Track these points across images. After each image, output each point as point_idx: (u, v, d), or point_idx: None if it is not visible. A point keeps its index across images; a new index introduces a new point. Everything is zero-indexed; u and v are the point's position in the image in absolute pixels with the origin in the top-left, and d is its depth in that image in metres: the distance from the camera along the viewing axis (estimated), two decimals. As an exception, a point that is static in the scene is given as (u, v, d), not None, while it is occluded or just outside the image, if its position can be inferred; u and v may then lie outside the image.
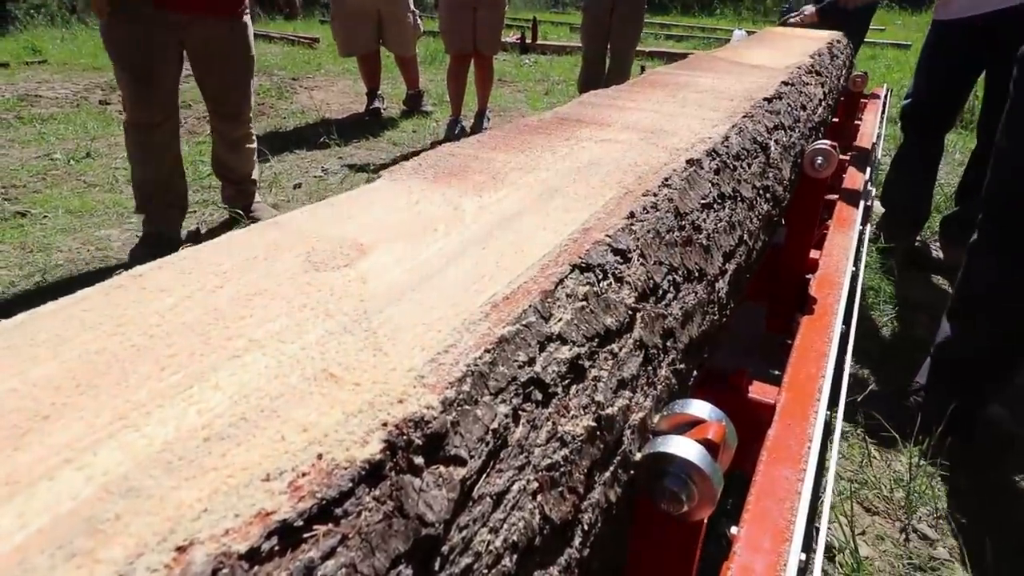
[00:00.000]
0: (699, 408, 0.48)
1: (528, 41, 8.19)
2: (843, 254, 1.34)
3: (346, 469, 0.26)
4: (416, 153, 3.10)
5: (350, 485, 0.26)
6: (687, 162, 0.70)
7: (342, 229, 0.51)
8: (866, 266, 2.53)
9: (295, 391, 0.31)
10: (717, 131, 0.84)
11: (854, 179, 1.88)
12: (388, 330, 0.37)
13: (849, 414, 1.63)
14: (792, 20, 2.38)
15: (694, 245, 0.62)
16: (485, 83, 4.29)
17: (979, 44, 2.23)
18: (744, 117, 0.94)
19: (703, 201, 0.67)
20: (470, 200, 0.57)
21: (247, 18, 2.46)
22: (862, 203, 1.66)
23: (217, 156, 2.66)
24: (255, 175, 2.75)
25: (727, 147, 0.81)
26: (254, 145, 2.71)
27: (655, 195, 0.61)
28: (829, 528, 1.34)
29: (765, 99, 1.07)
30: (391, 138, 4.23)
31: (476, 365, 0.34)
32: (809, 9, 2.35)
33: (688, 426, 0.47)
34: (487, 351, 0.35)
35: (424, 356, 0.34)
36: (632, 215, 0.55)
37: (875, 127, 2.43)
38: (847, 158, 1.99)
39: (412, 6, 4.42)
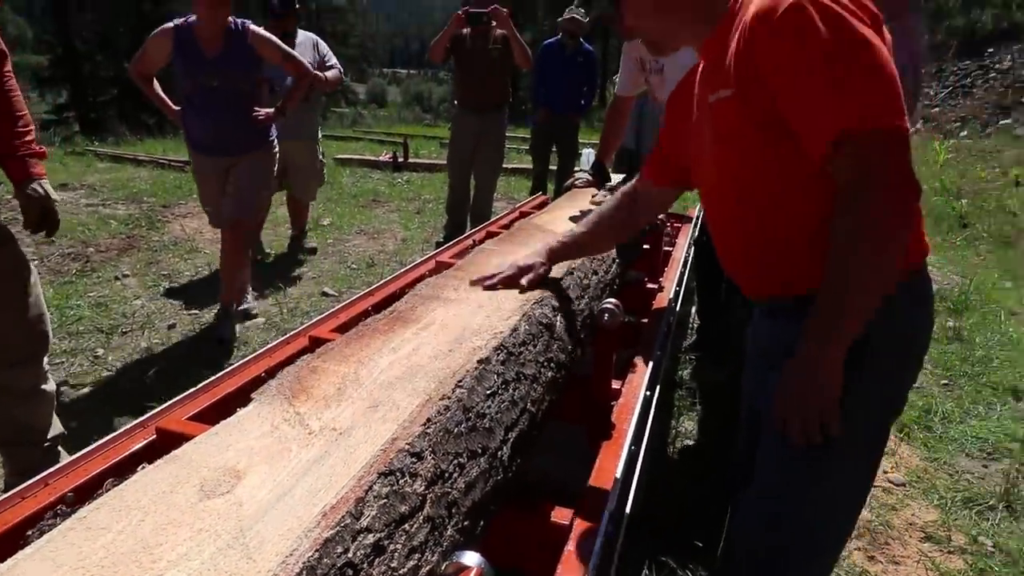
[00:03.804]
0: (469, 558, 0.75)
1: (400, 159, 8.71)
2: (641, 381, 1.70)
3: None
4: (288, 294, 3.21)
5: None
6: (478, 361, 1.00)
7: (223, 457, 0.75)
8: (679, 382, 2.97)
9: (200, 595, 0.54)
10: (509, 323, 1.16)
11: (660, 304, 2.30)
12: (256, 543, 0.61)
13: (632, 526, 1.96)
14: (579, 184, 2.56)
15: (478, 430, 0.90)
16: (236, 264, 3.22)
17: None
18: (535, 304, 1.27)
19: (488, 392, 0.97)
20: (315, 419, 0.83)
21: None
22: (662, 329, 2.07)
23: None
24: (55, 432, 1.98)
25: (515, 337, 1.13)
26: (52, 388, 1.98)
27: (449, 398, 0.89)
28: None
29: (556, 279, 1.43)
30: (266, 275, 4.37)
31: (308, 561, 0.59)
32: (585, 177, 2.60)
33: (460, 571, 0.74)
34: (316, 550, 0.60)
35: (277, 559, 0.59)
36: (428, 420, 0.83)
37: (683, 252, 2.93)
38: (655, 286, 2.43)
39: (321, 156, 4.59)
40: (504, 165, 5.53)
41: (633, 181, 1.53)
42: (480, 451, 0.89)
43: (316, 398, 0.89)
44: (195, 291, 3.83)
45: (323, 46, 4.27)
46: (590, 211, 2.19)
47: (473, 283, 1.39)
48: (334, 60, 4.28)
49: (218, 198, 3.21)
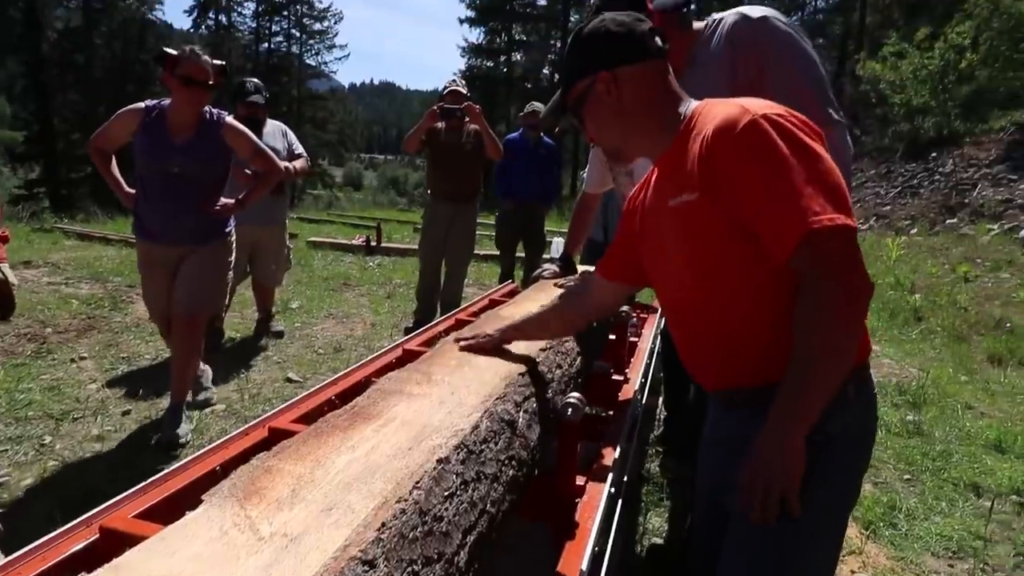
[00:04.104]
0: None
1: (373, 243, 8.81)
2: (606, 477, 1.68)
3: None
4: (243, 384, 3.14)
5: None
6: (437, 461, 0.99)
7: (168, 565, 0.72)
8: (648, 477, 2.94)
9: None
10: (471, 420, 1.16)
11: (626, 396, 2.31)
12: (193, 663, 0.58)
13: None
14: (546, 275, 2.54)
15: (435, 534, 0.89)
16: (187, 360, 3.01)
17: None
18: (497, 400, 1.28)
19: (446, 493, 0.96)
20: (267, 524, 0.81)
21: None
22: (628, 422, 2.07)
23: None
24: None
25: (476, 435, 1.13)
26: None
27: (406, 500, 0.88)
28: None
29: (520, 374, 1.44)
30: (229, 359, 4.30)
31: None
32: (552, 268, 2.60)
33: None
34: (257, 671, 0.58)
35: None
36: (383, 525, 0.82)
37: (649, 343, 2.97)
38: (621, 378, 2.44)
39: (288, 241, 4.60)
40: (476, 252, 5.63)
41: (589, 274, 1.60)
42: (436, 556, 0.87)
43: (269, 500, 0.87)
44: (155, 375, 3.73)
45: (291, 135, 4.33)
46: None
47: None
48: (301, 149, 4.32)
49: (165, 292, 3.00)
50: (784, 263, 1.06)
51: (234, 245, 3.19)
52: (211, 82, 2.78)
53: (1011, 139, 12.37)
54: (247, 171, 3.43)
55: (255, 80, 4.18)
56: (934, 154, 13.77)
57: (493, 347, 1.54)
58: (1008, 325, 6.08)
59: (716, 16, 1.81)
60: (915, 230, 11.10)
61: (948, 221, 11.01)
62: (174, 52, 2.76)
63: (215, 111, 2.94)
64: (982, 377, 4.90)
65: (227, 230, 3.11)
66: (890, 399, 4.08)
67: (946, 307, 6.61)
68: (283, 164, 3.67)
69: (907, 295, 6.95)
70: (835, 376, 1.04)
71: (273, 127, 4.21)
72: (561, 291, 2.28)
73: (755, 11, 1.69)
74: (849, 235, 1.02)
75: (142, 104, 2.87)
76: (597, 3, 1.74)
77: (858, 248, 1.04)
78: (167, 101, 2.85)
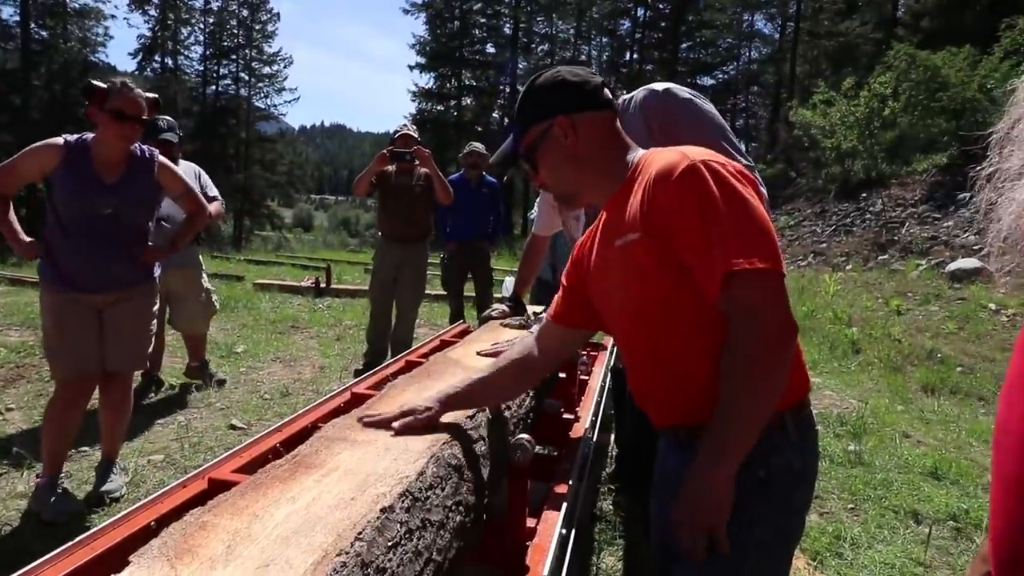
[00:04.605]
0: None
1: (323, 285, 8.68)
2: (557, 518, 1.67)
3: None
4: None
5: None
6: (381, 510, 0.97)
7: (89, 634, 0.68)
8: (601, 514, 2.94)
9: None
10: (416, 466, 1.14)
11: (577, 434, 2.31)
12: None
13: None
14: (495, 315, 2.62)
15: (376, 587, 0.87)
16: (119, 416, 2.91)
17: None
18: (444, 444, 1.27)
19: (390, 543, 0.94)
20: (199, 585, 0.78)
21: None
22: (579, 462, 2.07)
23: None
24: None
25: (422, 481, 1.11)
26: None
27: (347, 552, 0.86)
28: None
29: (468, 417, 1.43)
30: (170, 411, 4.14)
31: None
32: (501, 308, 2.69)
33: None
34: None
35: None
36: (322, 580, 0.79)
37: (599, 380, 3.00)
38: (572, 416, 2.45)
39: (208, 284, 4.35)
40: (427, 292, 5.61)
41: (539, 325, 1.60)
42: (378, 611, 0.85)
43: (202, 559, 0.83)
44: (87, 427, 3.54)
45: (204, 177, 4.17)
46: (499, 344, 2.25)
47: (361, 421, 1.36)
48: (216, 192, 4.17)
49: (87, 346, 2.69)
50: (714, 302, 1.11)
51: (158, 289, 3.01)
52: (144, 116, 2.62)
53: (933, 180, 13.20)
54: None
55: (167, 118, 3.99)
56: (864, 194, 14.56)
57: (425, 427, 1.33)
58: (939, 356, 6.38)
59: (627, 96, 2.09)
60: (850, 266, 11.62)
61: (880, 257, 11.58)
62: (103, 85, 2.58)
63: (145, 147, 2.78)
64: (917, 406, 5.11)
65: (154, 275, 2.92)
66: (832, 429, 4.20)
67: (881, 339, 6.89)
68: (211, 210, 3.54)
69: (845, 328, 7.23)
70: (758, 415, 1.07)
71: (187, 168, 4.00)
72: (509, 347, 2.29)
73: (660, 86, 2.01)
74: (770, 278, 1.06)
75: (59, 139, 2.60)
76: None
77: (781, 291, 1.09)
78: (89, 136, 2.63)
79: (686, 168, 1.12)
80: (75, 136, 2.63)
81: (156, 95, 2.72)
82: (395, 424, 1.32)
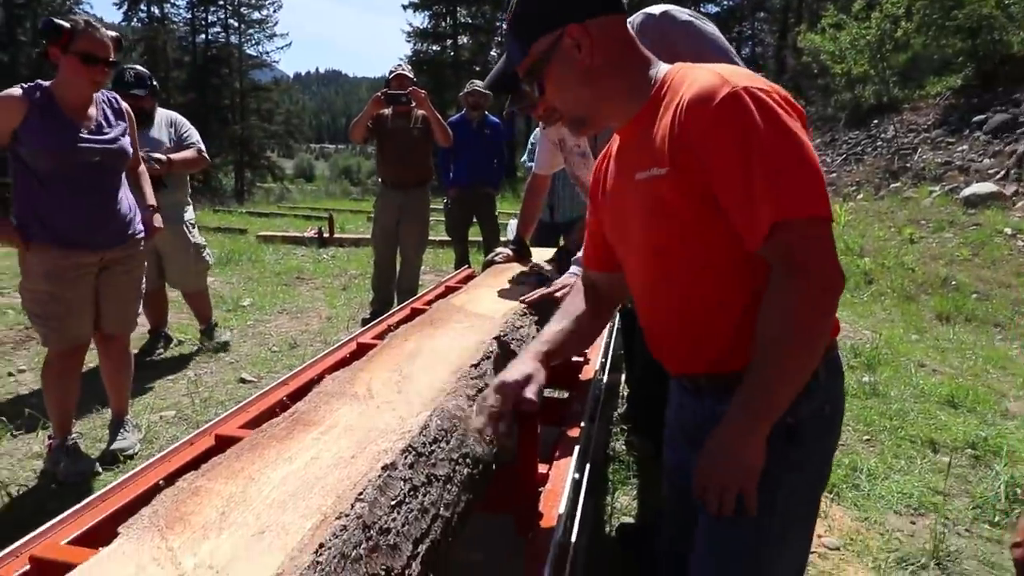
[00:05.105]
0: None
1: (326, 235, 8.60)
2: (569, 463, 1.64)
3: None
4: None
5: None
6: (383, 468, 0.92)
7: (71, 614, 0.63)
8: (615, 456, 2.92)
9: None
10: (419, 420, 1.09)
11: (587, 376, 2.27)
12: None
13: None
14: (498, 260, 2.55)
15: (381, 549, 0.82)
16: (122, 374, 2.89)
17: None
18: (449, 396, 1.21)
19: (393, 502, 0.89)
20: (190, 555, 0.73)
21: None
22: (590, 404, 2.03)
23: None
24: None
25: (426, 435, 1.05)
26: None
27: (347, 515, 0.81)
28: None
29: (473, 365, 1.37)
30: (180, 366, 4.13)
31: None
32: (505, 252, 2.61)
33: None
34: None
35: None
36: (321, 546, 0.74)
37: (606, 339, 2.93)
38: (580, 359, 2.40)
39: (198, 239, 4.19)
40: (432, 238, 5.49)
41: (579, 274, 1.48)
42: (384, 573, 0.80)
43: (194, 527, 0.78)
44: (99, 386, 3.54)
45: (181, 124, 3.95)
46: (507, 289, 2.19)
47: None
48: (195, 139, 3.94)
49: (86, 309, 2.57)
50: (755, 251, 0.99)
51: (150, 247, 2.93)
52: (112, 59, 2.44)
53: (947, 104, 12.76)
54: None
55: (136, 67, 3.79)
56: (875, 121, 14.13)
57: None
58: (953, 283, 6.28)
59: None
60: (861, 195, 11.38)
61: (892, 185, 11.32)
62: (66, 24, 2.37)
63: (107, 92, 2.60)
64: (932, 335, 5.05)
65: (141, 230, 2.76)
66: (846, 361, 4.16)
67: (894, 269, 6.79)
68: (157, 155, 3.51)
69: (857, 259, 7.11)
70: (802, 373, 0.99)
71: (161, 116, 3.84)
72: (517, 280, 2.24)
73: (657, 9, 1.89)
74: (824, 227, 0.96)
75: (15, 89, 2.36)
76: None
77: (832, 240, 0.98)
78: (46, 83, 2.42)
79: (728, 96, 0.96)
80: (31, 84, 2.42)
81: (117, 34, 2.53)
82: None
